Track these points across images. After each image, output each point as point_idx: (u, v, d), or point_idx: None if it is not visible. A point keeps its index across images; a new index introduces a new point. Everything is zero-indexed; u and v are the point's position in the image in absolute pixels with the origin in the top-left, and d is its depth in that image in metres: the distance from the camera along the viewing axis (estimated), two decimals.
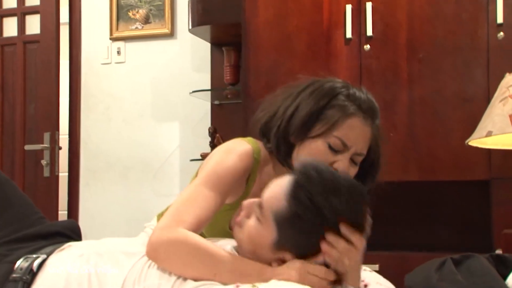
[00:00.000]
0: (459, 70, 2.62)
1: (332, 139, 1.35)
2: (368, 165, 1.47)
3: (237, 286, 1.01)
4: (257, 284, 0.98)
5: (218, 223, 1.38)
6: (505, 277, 1.33)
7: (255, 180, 1.44)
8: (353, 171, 1.40)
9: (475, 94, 2.59)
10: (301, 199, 1.09)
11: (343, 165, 1.35)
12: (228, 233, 1.41)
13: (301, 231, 1.10)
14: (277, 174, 1.37)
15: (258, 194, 1.23)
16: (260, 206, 1.16)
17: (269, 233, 1.13)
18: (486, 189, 2.64)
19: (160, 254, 1.18)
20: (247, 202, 1.21)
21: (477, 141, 2.22)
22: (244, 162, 1.37)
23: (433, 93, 2.64)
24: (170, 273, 1.16)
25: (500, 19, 2.54)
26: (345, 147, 1.36)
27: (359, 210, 1.12)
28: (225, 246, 1.24)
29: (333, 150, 1.36)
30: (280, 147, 1.40)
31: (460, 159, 2.58)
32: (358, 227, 1.11)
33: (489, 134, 2.06)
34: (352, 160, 1.38)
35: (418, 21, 2.67)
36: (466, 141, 2.24)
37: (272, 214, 1.12)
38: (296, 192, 1.10)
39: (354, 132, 1.37)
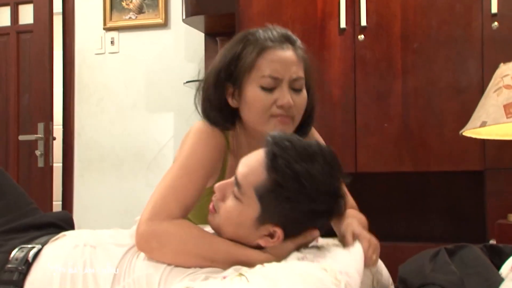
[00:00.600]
0: (453, 60, 2.62)
1: (261, 79, 1.35)
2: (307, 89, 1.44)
3: (224, 277, 1.01)
4: (244, 273, 0.98)
5: (202, 208, 1.35)
6: (498, 267, 1.33)
7: (228, 158, 1.43)
8: (300, 98, 1.39)
9: (469, 84, 2.59)
10: (280, 168, 1.08)
11: (286, 98, 1.34)
12: None
13: (285, 200, 1.09)
14: (250, 146, 1.39)
15: (233, 172, 1.22)
16: (237, 184, 1.14)
17: (252, 209, 1.12)
18: (480, 180, 2.65)
19: (153, 244, 1.17)
20: (219, 184, 1.19)
21: (471, 131, 2.23)
22: (218, 141, 1.38)
23: (427, 83, 2.64)
24: (157, 262, 1.16)
25: (494, 9, 2.54)
26: (277, 80, 1.35)
27: (335, 175, 1.13)
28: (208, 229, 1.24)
29: (267, 89, 1.35)
30: (215, 115, 1.40)
31: (454, 149, 2.59)
32: (336, 193, 1.12)
33: (483, 124, 2.07)
34: (294, 89, 1.37)
35: (412, 12, 2.67)
36: (460, 132, 2.25)
37: (253, 189, 1.11)
38: (274, 162, 1.09)
39: (277, 62, 1.35)
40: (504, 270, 1.31)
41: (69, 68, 3.85)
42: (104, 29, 3.76)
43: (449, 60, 2.62)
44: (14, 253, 1.29)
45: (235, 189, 1.14)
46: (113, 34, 3.76)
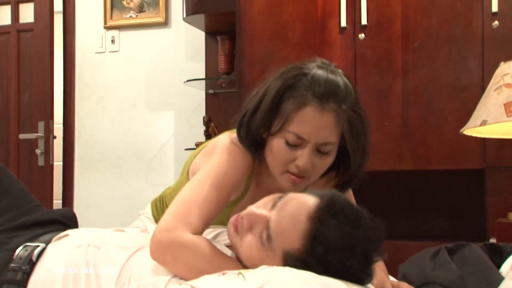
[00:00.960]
0: (454, 59, 2.62)
1: (288, 134, 1.26)
2: (348, 152, 1.32)
3: (223, 273, 1.00)
4: (242, 272, 0.97)
5: (218, 217, 1.33)
6: (499, 266, 1.34)
7: (251, 180, 1.40)
8: (323, 162, 1.30)
9: (470, 83, 2.59)
10: (316, 253, 1.02)
11: (303, 161, 1.26)
12: (226, 223, 1.42)
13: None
14: (270, 177, 1.36)
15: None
16: (267, 232, 1.08)
17: (275, 264, 1.07)
18: (480, 178, 2.65)
19: (167, 257, 1.14)
20: (251, 213, 1.12)
21: (471, 130, 2.23)
22: (247, 162, 1.34)
23: (427, 82, 2.64)
24: (164, 270, 1.15)
25: (495, 7, 2.54)
26: (302, 140, 1.26)
27: (369, 267, 1.06)
28: (225, 248, 1.21)
29: (291, 145, 1.27)
30: (249, 144, 1.32)
31: (454, 148, 2.59)
32: (361, 282, 1.07)
33: (483, 123, 2.07)
34: (319, 151, 1.28)
35: (412, 11, 2.67)
36: (461, 130, 2.25)
37: (282, 251, 1.06)
38: (312, 244, 1.03)
39: (309, 123, 1.24)
40: (504, 268, 1.32)
41: (69, 67, 3.85)
42: (104, 27, 3.76)
43: (450, 59, 2.62)
44: (18, 251, 1.28)
45: (265, 236, 1.09)
46: (114, 33, 3.76)
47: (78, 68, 3.84)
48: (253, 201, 1.21)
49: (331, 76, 1.27)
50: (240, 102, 2.84)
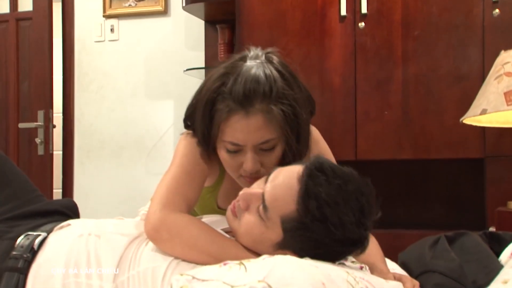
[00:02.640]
0: (454, 48, 2.61)
1: (225, 143, 1.28)
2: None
3: (225, 263, 1.00)
4: (244, 262, 0.98)
5: (206, 205, 1.43)
6: (498, 254, 1.34)
7: None
8: (271, 157, 1.30)
9: (470, 72, 2.59)
10: (311, 209, 1.04)
11: (249, 166, 1.27)
12: (217, 211, 1.47)
13: (309, 238, 1.07)
14: None
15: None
16: (264, 204, 1.11)
17: (274, 234, 1.10)
18: (480, 167, 2.65)
19: (163, 234, 1.17)
20: (245, 193, 1.16)
21: (471, 119, 2.23)
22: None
23: (427, 71, 2.64)
24: (163, 255, 1.16)
25: None
26: (240, 146, 1.27)
27: (365, 224, 1.08)
28: (220, 229, 1.22)
29: (232, 152, 1.29)
30: (199, 143, 1.35)
31: (454, 137, 2.59)
32: (361, 240, 1.09)
33: (483, 112, 2.07)
34: (262, 149, 1.28)
35: None
36: (461, 119, 2.25)
37: (280, 217, 1.08)
38: (305, 200, 1.05)
39: (238, 130, 1.25)
40: (503, 257, 1.32)
41: (68, 55, 3.84)
42: (103, 16, 3.75)
43: (450, 47, 2.62)
44: (19, 240, 1.29)
45: (261, 208, 1.11)
46: (113, 21, 3.74)
47: (77, 57, 3.83)
48: (232, 185, 1.32)
49: (252, 74, 1.25)
50: None
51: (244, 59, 1.31)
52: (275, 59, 1.32)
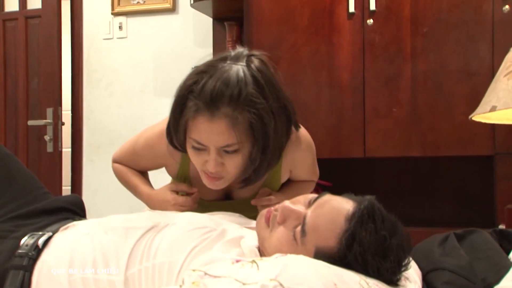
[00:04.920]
0: (463, 44, 2.60)
1: (191, 140, 1.31)
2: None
3: (237, 261, 1.00)
4: (256, 260, 0.97)
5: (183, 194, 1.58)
6: (508, 252, 1.33)
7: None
8: (232, 160, 1.31)
9: (480, 68, 2.57)
10: (353, 253, 1.03)
11: (211, 165, 1.31)
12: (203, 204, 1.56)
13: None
14: None
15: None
16: (303, 228, 1.09)
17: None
18: (489, 164, 2.63)
19: (114, 172, 1.74)
20: (285, 207, 1.13)
21: (481, 116, 2.21)
22: (163, 139, 1.44)
23: (436, 67, 2.63)
24: (180, 248, 1.16)
25: None
26: (203, 146, 1.29)
27: (399, 271, 1.08)
28: (245, 240, 1.20)
29: (197, 149, 1.31)
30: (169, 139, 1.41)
31: (463, 134, 2.58)
32: (391, 282, 1.08)
33: (493, 109, 2.05)
34: (225, 151, 1.29)
35: None
36: (470, 116, 2.24)
37: (315, 248, 1.07)
38: (349, 244, 1.03)
39: (202, 132, 1.27)
40: None
41: (77, 53, 3.85)
42: (112, 14, 3.76)
43: (459, 43, 2.60)
44: (24, 239, 1.29)
45: (299, 230, 1.10)
46: (121, 19, 3.75)
47: (86, 54, 3.84)
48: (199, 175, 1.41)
49: (224, 76, 1.25)
50: None
51: (224, 59, 1.31)
52: (256, 63, 1.30)
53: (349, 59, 2.73)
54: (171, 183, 1.61)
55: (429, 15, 2.64)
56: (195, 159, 1.35)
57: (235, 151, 1.29)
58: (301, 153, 1.54)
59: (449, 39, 2.61)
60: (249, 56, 1.32)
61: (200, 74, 1.30)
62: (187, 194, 1.55)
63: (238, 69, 1.27)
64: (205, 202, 1.59)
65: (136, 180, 1.67)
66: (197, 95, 1.26)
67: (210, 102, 1.23)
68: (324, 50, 2.77)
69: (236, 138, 1.26)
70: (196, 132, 1.28)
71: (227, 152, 1.29)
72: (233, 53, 1.33)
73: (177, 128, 1.34)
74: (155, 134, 1.53)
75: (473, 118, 2.24)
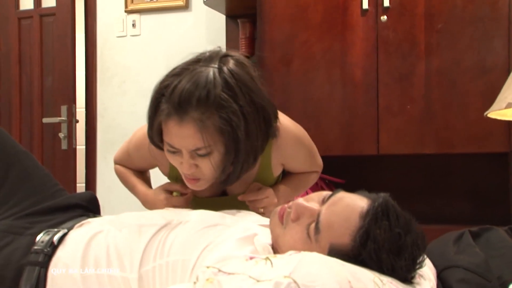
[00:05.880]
0: (479, 40, 2.58)
1: (166, 144, 1.32)
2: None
3: (251, 258, 1.00)
4: (270, 257, 0.97)
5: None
6: None
7: None
8: (205, 163, 1.31)
9: (495, 64, 2.55)
10: (368, 250, 1.03)
11: (184, 168, 1.32)
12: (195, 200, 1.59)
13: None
14: None
15: None
16: (317, 225, 1.09)
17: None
18: (504, 161, 2.62)
19: (116, 173, 1.78)
20: (300, 205, 1.14)
21: (496, 112, 2.19)
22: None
23: (451, 64, 2.61)
24: (194, 246, 1.16)
25: None
26: (177, 149, 1.30)
27: (414, 269, 1.08)
28: (259, 237, 1.19)
29: (172, 152, 1.32)
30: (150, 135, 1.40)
31: (478, 131, 2.56)
32: (406, 279, 1.08)
33: (509, 105, 2.03)
34: (198, 154, 1.29)
35: None
36: (485, 113, 2.22)
37: (329, 245, 1.07)
38: (363, 240, 1.03)
39: (173, 135, 1.28)
40: None
41: (91, 51, 3.87)
42: (125, 11, 3.77)
43: (475, 39, 2.58)
44: (40, 236, 1.31)
45: (313, 228, 1.10)
46: (135, 16, 3.76)
47: (100, 52, 3.86)
48: None
49: (193, 80, 1.24)
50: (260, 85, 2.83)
51: (198, 61, 1.30)
52: (230, 65, 1.28)
53: (363, 56, 2.72)
54: (166, 183, 1.64)
55: (443, 11, 2.62)
56: (172, 161, 1.36)
57: (207, 154, 1.29)
58: (290, 147, 1.53)
59: (464, 36, 2.59)
60: (223, 57, 1.30)
61: (173, 77, 1.30)
62: (181, 194, 1.57)
63: (209, 71, 1.25)
64: (199, 199, 1.60)
65: (135, 180, 1.73)
66: (167, 99, 1.26)
67: (179, 106, 1.23)
68: (337, 47, 2.76)
69: (205, 141, 1.26)
70: (168, 135, 1.29)
71: (199, 155, 1.29)
72: (208, 54, 1.32)
73: (153, 131, 1.35)
74: (143, 135, 1.50)
75: (489, 115, 2.22)
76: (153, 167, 1.73)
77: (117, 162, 1.77)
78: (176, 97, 1.24)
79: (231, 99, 1.24)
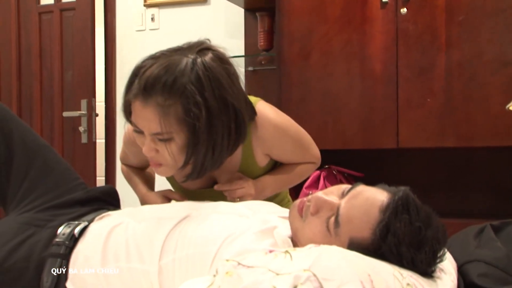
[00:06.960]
0: (500, 32, 2.55)
1: (133, 122, 1.34)
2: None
3: (270, 251, 1.00)
4: (289, 251, 0.98)
5: (172, 183, 1.68)
6: None
7: None
8: (169, 147, 1.31)
9: None
10: (388, 244, 1.02)
11: (144, 149, 1.34)
12: (182, 189, 1.63)
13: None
14: None
15: None
16: (336, 219, 1.09)
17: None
18: None
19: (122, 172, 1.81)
20: (319, 198, 1.13)
21: None
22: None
23: (472, 57, 2.58)
24: (213, 238, 1.16)
25: None
26: (140, 130, 1.33)
27: (434, 263, 1.07)
28: (278, 230, 1.19)
29: (138, 132, 1.35)
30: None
31: (499, 125, 2.53)
32: (425, 273, 1.07)
33: None
34: (159, 139, 1.30)
35: None
36: (507, 106, 2.20)
37: (349, 239, 1.06)
38: (383, 235, 1.03)
39: (137, 116, 1.30)
40: None
41: (110, 45, 3.89)
42: (144, 5, 3.78)
43: (496, 32, 2.55)
44: (61, 228, 1.33)
45: (332, 222, 1.09)
46: (154, 10, 3.78)
47: (119, 46, 3.88)
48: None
49: (165, 65, 1.26)
50: (279, 78, 2.83)
51: (179, 49, 1.32)
52: (207, 58, 1.30)
53: (382, 49, 2.70)
54: (167, 190, 1.66)
55: (464, 3, 2.59)
56: (137, 141, 1.39)
57: (168, 140, 1.30)
58: (270, 137, 1.52)
59: (485, 28, 2.56)
60: (203, 49, 1.32)
61: (151, 59, 1.33)
62: None
63: (183, 60, 1.27)
64: (189, 191, 1.61)
65: (136, 179, 1.75)
66: (139, 79, 1.29)
67: (144, 89, 1.26)
68: (356, 40, 2.74)
69: (164, 128, 1.27)
70: (133, 115, 1.32)
71: (159, 139, 1.31)
72: (190, 44, 1.34)
73: (125, 109, 1.37)
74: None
75: (510, 108, 2.20)
76: (147, 163, 1.72)
77: (120, 160, 1.82)
78: (144, 79, 1.27)
79: (196, 91, 1.25)
